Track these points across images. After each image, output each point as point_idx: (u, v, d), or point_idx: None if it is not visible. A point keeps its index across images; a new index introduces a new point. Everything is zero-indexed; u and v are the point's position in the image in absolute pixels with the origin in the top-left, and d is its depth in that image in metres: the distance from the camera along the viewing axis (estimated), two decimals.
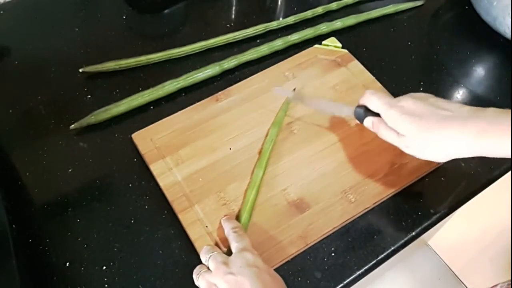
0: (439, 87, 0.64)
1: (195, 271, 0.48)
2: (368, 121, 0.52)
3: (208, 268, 0.47)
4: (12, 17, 0.73)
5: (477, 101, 0.67)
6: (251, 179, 0.55)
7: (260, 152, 0.58)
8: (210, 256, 0.47)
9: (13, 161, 0.58)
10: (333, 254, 0.52)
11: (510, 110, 0.43)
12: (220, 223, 0.52)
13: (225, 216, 0.52)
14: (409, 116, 0.46)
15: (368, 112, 0.51)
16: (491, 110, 0.44)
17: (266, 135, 0.59)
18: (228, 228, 0.50)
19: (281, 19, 0.73)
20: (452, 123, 0.44)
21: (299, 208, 0.54)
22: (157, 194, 0.55)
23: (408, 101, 0.48)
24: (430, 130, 0.45)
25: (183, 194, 0.54)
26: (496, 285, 0.72)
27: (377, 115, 0.50)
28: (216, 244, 0.51)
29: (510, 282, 0.69)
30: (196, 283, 0.47)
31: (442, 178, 0.58)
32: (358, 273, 0.51)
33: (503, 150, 0.42)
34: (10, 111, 0.62)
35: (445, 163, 0.59)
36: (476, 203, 0.64)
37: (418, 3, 0.77)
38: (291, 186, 0.55)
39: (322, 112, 0.60)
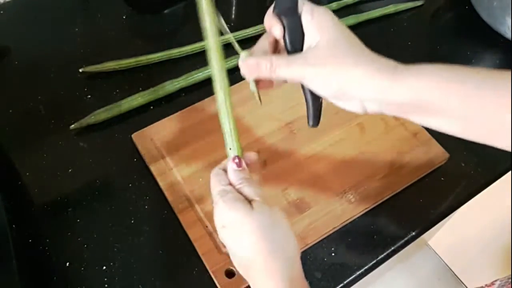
0: None
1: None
2: (278, 27, 0.40)
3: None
4: (12, 17, 0.73)
5: None
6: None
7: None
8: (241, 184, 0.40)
9: (13, 161, 0.58)
10: (333, 254, 0.52)
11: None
12: None
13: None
14: (339, 25, 0.39)
15: (286, 16, 0.40)
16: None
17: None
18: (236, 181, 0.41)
19: None
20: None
21: (299, 208, 0.54)
22: (157, 194, 0.55)
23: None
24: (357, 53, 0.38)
25: (183, 194, 0.54)
26: (495, 281, 0.72)
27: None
28: (217, 246, 0.51)
29: (510, 279, 0.69)
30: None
31: (442, 178, 0.58)
32: (358, 273, 0.51)
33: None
34: (10, 111, 0.62)
35: (445, 163, 0.59)
36: (476, 203, 0.64)
37: (418, 3, 0.77)
38: (291, 186, 0.55)
39: None
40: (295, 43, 0.40)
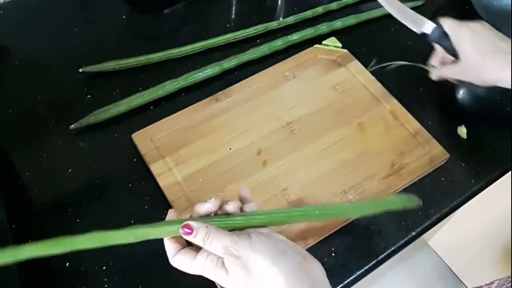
0: (439, 86, 0.64)
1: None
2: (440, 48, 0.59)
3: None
4: (12, 17, 0.73)
5: (477, 100, 0.67)
6: None
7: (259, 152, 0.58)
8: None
9: (13, 161, 0.58)
10: (333, 254, 0.52)
11: None
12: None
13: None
14: (473, 39, 0.55)
15: (442, 42, 0.58)
16: None
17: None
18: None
19: (281, 19, 0.73)
20: (500, 56, 0.53)
21: None
22: (157, 194, 0.55)
23: (477, 26, 0.56)
24: (484, 57, 0.54)
25: (183, 194, 0.54)
26: (494, 280, 0.72)
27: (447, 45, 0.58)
28: None
29: (510, 279, 0.69)
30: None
31: (442, 178, 0.58)
32: (358, 273, 0.51)
33: None
34: (10, 111, 0.62)
35: (445, 163, 0.59)
36: (476, 203, 0.64)
37: (418, 3, 0.77)
38: (291, 186, 0.55)
39: (392, 13, 0.62)
40: (455, 55, 0.57)
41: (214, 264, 0.38)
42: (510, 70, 0.52)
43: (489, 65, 0.54)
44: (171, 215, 0.43)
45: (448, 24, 0.57)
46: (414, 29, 0.60)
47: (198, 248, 0.40)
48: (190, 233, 0.39)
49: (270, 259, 0.37)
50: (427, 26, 0.59)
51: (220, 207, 0.42)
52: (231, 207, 0.42)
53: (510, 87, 0.53)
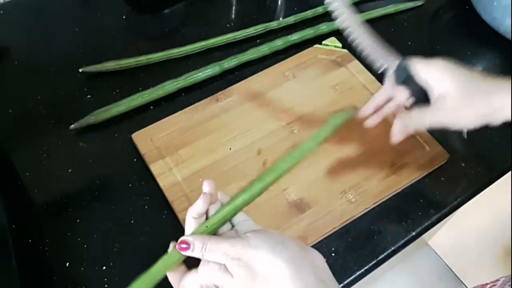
0: None
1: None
2: (403, 92, 0.51)
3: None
4: (12, 17, 0.73)
5: None
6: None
7: (260, 153, 0.58)
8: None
9: (13, 161, 0.58)
10: (333, 254, 0.52)
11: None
12: None
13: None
14: (454, 78, 0.47)
15: (407, 83, 0.50)
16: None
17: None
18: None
19: (281, 19, 0.73)
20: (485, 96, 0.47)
21: (299, 208, 0.54)
22: (157, 194, 0.55)
23: (449, 64, 0.48)
24: (469, 98, 0.47)
25: (183, 194, 0.54)
26: (499, 279, 0.72)
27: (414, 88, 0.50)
28: None
29: (511, 278, 0.69)
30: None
31: (442, 178, 0.58)
32: (358, 273, 0.51)
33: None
34: (10, 111, 0.62)
35: (445, 163, 0.59)
36: (476, 203, 0.64)
37: (418, 3, 0.77)
38: (291, 186, 0.55)
39: (361, 50, 0.57)
40: (420, 100, 0.50)
41: (217, 269, 0.38)
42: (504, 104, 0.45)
43: (475, 105, 0.46)
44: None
45: (418, 64, 0.49)
46: (378, 64, 0.54)
47: None
48: (187, 248, 0.39)
49: (271, 252, 0.37)
50: (393, 65, 0.52)
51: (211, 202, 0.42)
52: (213, 210, 0.42)
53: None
